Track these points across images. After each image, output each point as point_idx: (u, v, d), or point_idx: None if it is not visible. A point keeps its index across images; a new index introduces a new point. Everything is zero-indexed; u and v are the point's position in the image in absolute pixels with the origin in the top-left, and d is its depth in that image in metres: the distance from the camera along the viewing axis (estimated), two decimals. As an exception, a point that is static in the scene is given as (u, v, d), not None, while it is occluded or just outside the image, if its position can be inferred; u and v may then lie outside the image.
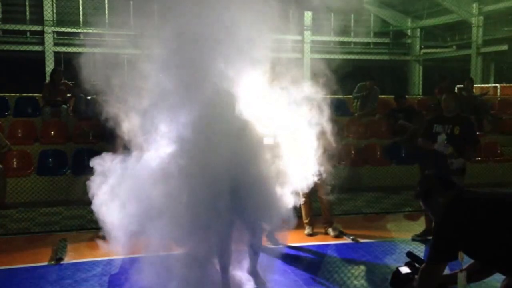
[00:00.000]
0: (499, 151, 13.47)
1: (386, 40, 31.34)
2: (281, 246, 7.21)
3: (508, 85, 21.31)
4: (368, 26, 31.19)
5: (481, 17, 27.08)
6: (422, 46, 31.62)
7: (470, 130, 7.71)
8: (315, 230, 8.29)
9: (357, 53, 29.24)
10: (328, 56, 27.43)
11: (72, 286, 6.00)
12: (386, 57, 30.11)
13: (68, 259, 6.92)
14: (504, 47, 25.68)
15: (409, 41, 31.80)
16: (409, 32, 31.83)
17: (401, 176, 12.07)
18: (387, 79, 24.16)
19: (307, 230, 8.18)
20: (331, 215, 8.43)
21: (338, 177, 10.15)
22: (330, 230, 8.25)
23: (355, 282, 6.32)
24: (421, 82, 30.77)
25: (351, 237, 8.11)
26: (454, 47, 30.17)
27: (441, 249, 3.65)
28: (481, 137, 13.37)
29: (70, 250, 7.28)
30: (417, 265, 3.83)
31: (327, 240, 8.04)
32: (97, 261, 6.77)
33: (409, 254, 3.97)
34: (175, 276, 5.50)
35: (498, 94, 20.12)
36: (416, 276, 3.76)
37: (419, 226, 8.70)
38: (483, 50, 27.61)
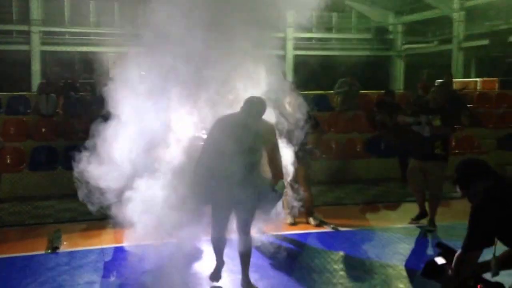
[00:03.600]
0: (476, 144, 13.86)
1: (368, 36, 31.70)
2: (264, 234, 7.45)
3: (488, 79, 21.62)
4: (350, 23, 31.59)
5: (463, 12, 27.51)
6: (404, 42, 32.03)
7: (450, 118, 8.26)
8: (297, 219, 8.58)
9: (339, 49, 29.62)
10: (310, 53, 27.91)
11: (69, 272, 6.39)
12: (368, 53, 30.50)
13: (64, 248, 7.28)
14: (485, 41, 26.10)
15: (391, 36, 32.19)
16: (390, 28, 32.18)
17: (381, 169, 12.52)
18: (369, 75, 24.50)
19: (289, 219, 8.51)
20: (312, 206, 8.77)
21: (320, 170, 10.63)
22: (311, 220, 8.60)
23: (335, 266, 6.72)
24: (402, 77, 31.18)
25: (331, 226, 8.47)
26: (436, 42, 30.52)
27: (477, 236, 3.61)
28: (459, 130, 13.88)
29: (64, 240, 7.62)
30: (449, 256, 3.77)
31: (309, 229, 8.39)
32: (91, 250, 7.16)
33: (439, 245, 3.94)
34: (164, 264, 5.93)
35: (478, 88, 20.47)
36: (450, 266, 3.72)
37: (398, 215, 9.16)
38: (464, 44, 27.97)
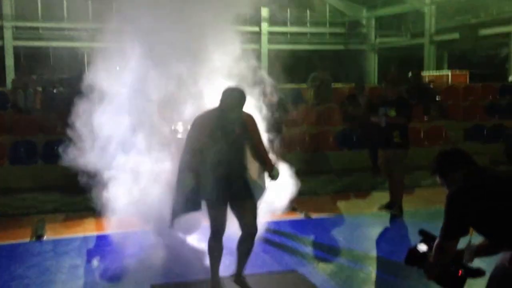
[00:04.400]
0: (444, 135, 14.29)
1: (342, 30, 32.02)
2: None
3: (459, 72, 22.07)
4: (324, 17, 31.88)
5: (434, 6, 28.04)
6: (377, 36, 32.42)
7: (405, 108, 8.72)
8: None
9: (314, 44, 29.95)
10: (285, 47, 28.19)
11: (54, 258, 6.72)
12: (342, 47, 30.90)
13: (48, 236, 7.60)
14: (456, 35, 26.71)
15: (364, 30, 32.55)
16: (364, 22, 32.54)
17: (352, 160, 12.94)
18: (343, 69, 24.84)
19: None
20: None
21: (293, 161, 10.95)
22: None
23: (305, 250, 7.13)
24: (376, 71, 31.58)
25: (303, 213, 8.82)
26: (408, 36, 31.04)
27: (454, 225, 3.58)
28: (427, 122, 14.36)
29: (48, 229, 7.91)
30: (431, 242, 3.76)
31: (282, 217, 8.66)
32: (75, 238, 7.48)
33: (422, 232, 3.92)
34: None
35: (450, 81, 20.94)
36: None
37: (368, 204, 9.60)
38: (435, 38, 28.50)
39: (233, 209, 5.40)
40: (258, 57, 27.24)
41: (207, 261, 5.68)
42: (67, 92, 12.37)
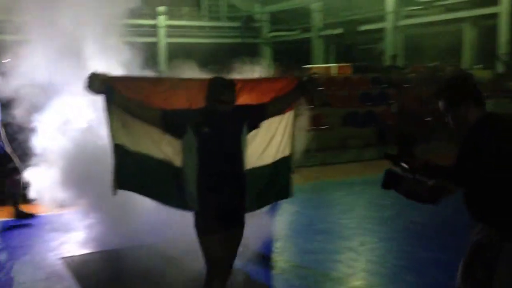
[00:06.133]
0: (323, 121, 15.62)
1: (237, 24, 33.31)
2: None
3: (343, 64, 23.67)
4: (218, 11, 32.86)
5: (320, 3, 29.77)
6: (271, 30, 33.96)
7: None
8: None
9: (211, 37, 31.02)
10: (183, 40, 28.94)
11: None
12: (238, 40, 32.16)
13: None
14: (340, 30, 28.60)
15: (258, 25, 33.94)
16: (258, 16, 33.88)
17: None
18: (240, 61, 25.74)
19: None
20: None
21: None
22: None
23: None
24: (272, 64, 32.91)
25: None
26: (298, 30, 32.78)
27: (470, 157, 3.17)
28: (310, 110, 15.72)
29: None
30: (403, 165, 3.59)
31: None
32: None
33: (387, 156, 3.70)
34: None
35: (336, 73, 22.46)
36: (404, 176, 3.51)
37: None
38: (322, 33, 30.32)
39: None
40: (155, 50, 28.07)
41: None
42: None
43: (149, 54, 7.44)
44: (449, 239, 6.79)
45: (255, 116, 4.15)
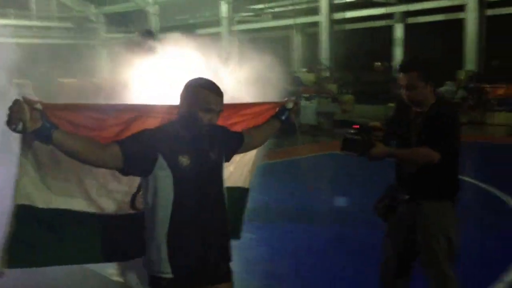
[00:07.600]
0: None
1: (69, 25, 32.54)
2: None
3: None
4: (49, 11, 32.01)
5: (157, 6, 30.08)
6: (108, 32, 33.39)
7: None
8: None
9: (40, 37, 29.87)
10: (9, 40, 27.88)
11: None
12: (71, 41, 31.25)
13: None
14: (177, 33, 28.81)
15: (94, 26, 33.46)
16: (93, 18, 33.42)
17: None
18: (77, 63, 25.21)
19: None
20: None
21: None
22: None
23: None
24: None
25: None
26: (137, 33, 32.56)
27: (455, 142, 3.44)
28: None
29: None
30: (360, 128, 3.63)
31: None
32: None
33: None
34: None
35: None
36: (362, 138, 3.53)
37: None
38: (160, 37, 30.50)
39: None
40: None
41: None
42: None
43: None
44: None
45: (233, 145, 3.10)
